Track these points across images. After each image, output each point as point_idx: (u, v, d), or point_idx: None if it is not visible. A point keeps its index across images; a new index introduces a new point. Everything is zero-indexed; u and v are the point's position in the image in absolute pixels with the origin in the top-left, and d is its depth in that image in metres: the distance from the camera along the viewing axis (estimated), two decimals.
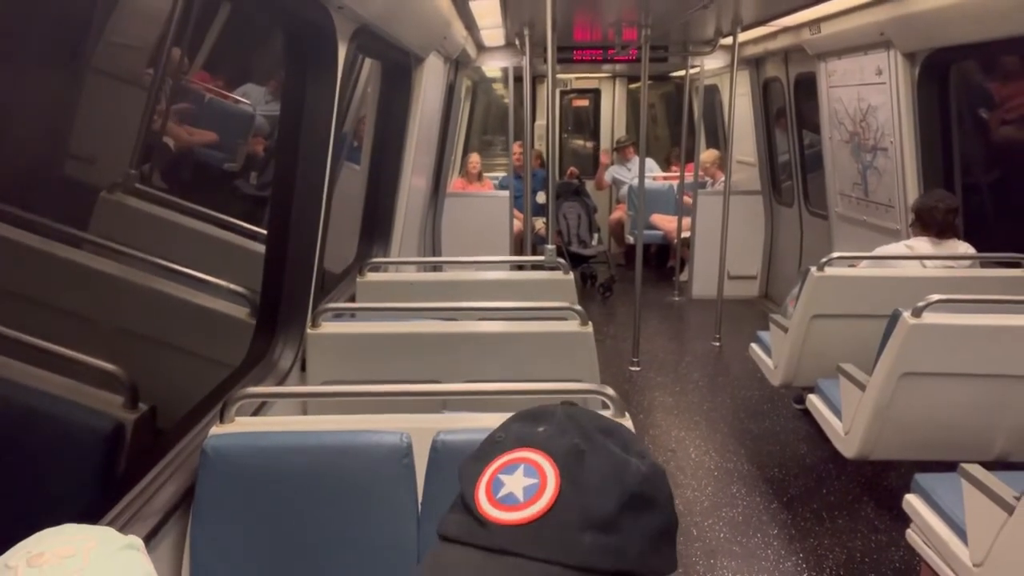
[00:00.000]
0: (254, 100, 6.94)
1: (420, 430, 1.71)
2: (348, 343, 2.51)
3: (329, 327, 2.52)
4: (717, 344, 5.71)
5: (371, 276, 3.25)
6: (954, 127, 4.15)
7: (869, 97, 4.64)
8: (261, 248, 3.24)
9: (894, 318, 2.78)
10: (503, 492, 0.59)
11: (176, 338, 2.49)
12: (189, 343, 2.50)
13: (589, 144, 9.96)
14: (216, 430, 1.69)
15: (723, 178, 6.83)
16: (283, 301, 2.49)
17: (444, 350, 2.51)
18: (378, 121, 4.05)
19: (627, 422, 1.68)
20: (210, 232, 3.36)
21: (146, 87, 4.71)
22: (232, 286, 2.57)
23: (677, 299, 7.06)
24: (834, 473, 3.68)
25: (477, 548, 0.58)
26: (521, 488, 0.59)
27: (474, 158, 7.46)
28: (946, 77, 4.11)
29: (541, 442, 0.62)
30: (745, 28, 5.40)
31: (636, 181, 6.15)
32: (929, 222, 3.54)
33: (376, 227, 3.98)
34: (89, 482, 1.56)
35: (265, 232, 3.42)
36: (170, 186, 3.93)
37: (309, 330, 2.47)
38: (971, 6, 3.34)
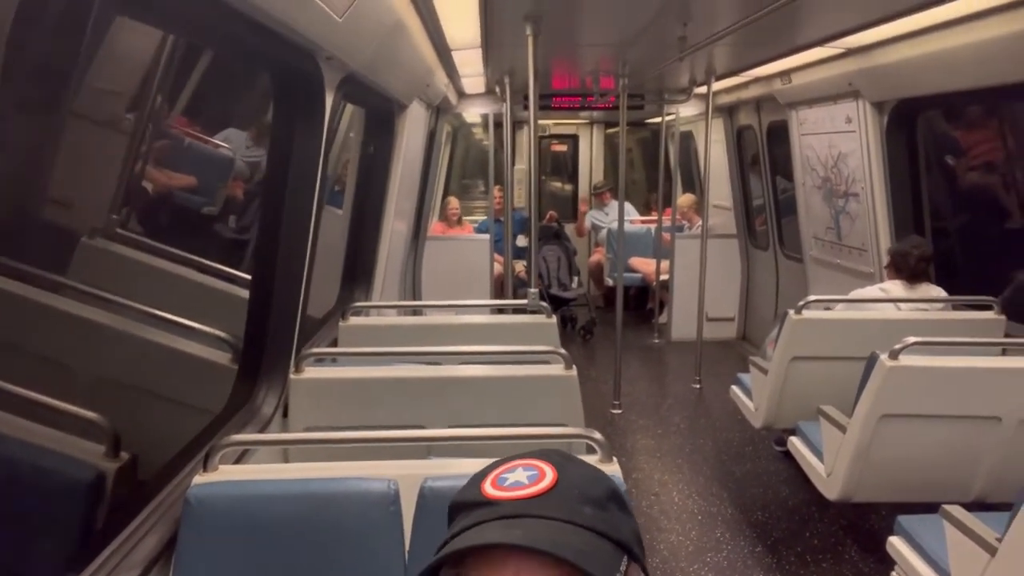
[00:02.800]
0: (235, 145, 6.97)
1: (406, 476, 1.69)
2: (331, 388, 2.49)
3: (312, 372, 2.50)
4: (697, 386, 5.74)
5: (353, 320, 3.25)
6: (922, 173, 4.29)
7: (840, 144, 4.79)
8: (243, 292, 3.23)
9: (872, 361, 2.82)
10: (508, 482, 0.66)
11: (157, 385, 2.46)
12: (170, 390, 2.47)
13: (568, 187, 10.11)
14: (199, 479, 1.66)
15: (700, 222, 6.95)
16: (266, 346, 2.47)
17: (428, 394, 2.51)
18: (361, 167, 4.09)
19: (614, 467, 1.68)
20: (191, 277, 3.34)
21: (126, 132, 4.72)
22: (214, 331, 2.55)
23: (657, 341, 7.10)
24: (817, 515, 3.69)
25: (492, 521, 0.62)
26: (524, 477, 0.66)
27: (453, 202, 7.51)
28: (914, 125, 4.25)
29: (531, 454, 0.70)
30: (719, 78, 5.57)
31: (615, 225, 6.23)
32: (902, 267, 3.63)
33: (358, 271, 3.99)
34: (69, 533, 1.52)
35: (246, 276, 3.42)
36: (149, 230, 3.91)
37: (292, 375, 2.45)
38: (935, 59, 3.49)
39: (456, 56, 4.06)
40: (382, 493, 1.65)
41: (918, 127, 4.25)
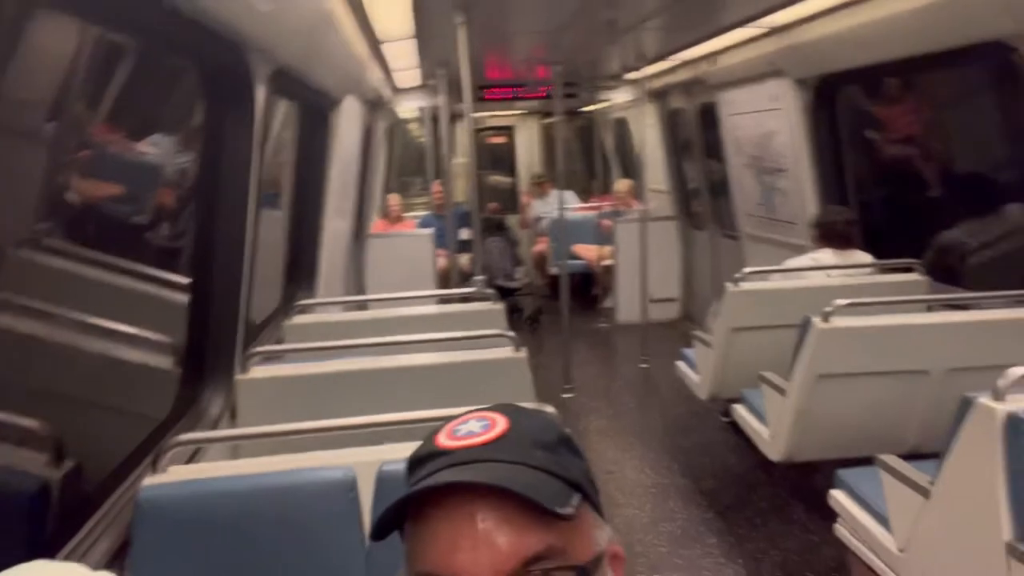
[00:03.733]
0: (163, 151, 6.77)
1: (362, 463, 1.70)
2: (279, 386, 2.47)
3: (259, 371, 2.47)
4: (645, 366, 5.86)
5: (298, 319, 3.21)
6: (844, 146, 4.46)
7: (767, 123, 4.94)
8: (180, 297, 3.16)
9: (805, 324, 2.94)
10: (461, 432, 0.68)
11: (98, 395, 2.39)
12: (111, 398, 2.40)
13: (508, 180, 10.15)
14: (149, 481, 1.63)
15: (637, 205, 7.09)
16: (209, 348, 2.43)
17: (379, 386, 2.50)
18: (297, 164, 4.04)
19: None
20: (127, 284, 3.25)
21: (46, 142, 4.54)
22: (154, 336, 2.49)
23: (603, 325, 7.21)
24: (763, 480, 3.82)
25: (446, 468, 0.64)
26: (478, 427, 0.68)
27: (394, 199, 7.48)
28: (835, 100, 4.42)
29: (484, 408, 0.72)
30: (649, 62, 5.68)
31: (556, 214, 6.30)
32: (830, 234, 3.79)
33: (300, 271, 3.94)
34: (15, 545, 1.48)
35: (184, 282, 3.34)
36: (76, 243, 3.78)
37: (238, 376, 2.41)
38: (850, 35, 3.64)
39: (388, 48, 4.04)
40: (339, 480, 1.65)
41: (839, 102, 4.42)
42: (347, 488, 1.65)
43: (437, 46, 4.17)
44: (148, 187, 6.76)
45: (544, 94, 6.65)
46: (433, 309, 3.49)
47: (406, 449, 1.84)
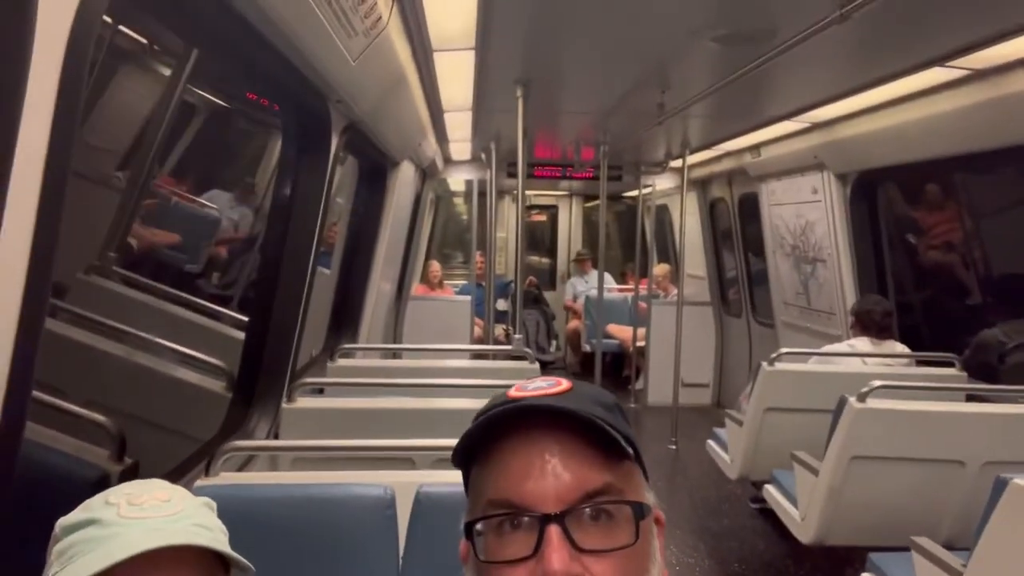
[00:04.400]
0: (220, 205, 7.12)
1: (401, 484, 1.76)
2: (321, 417, 2.55)
3: (303, 402, 2.57)
4: (674, 447, 5.80)
5: (341, 362, 3.33)
6: (884, 239, 4.54)
7: (807, 214, 5.06)
8: (231, 331, 3.31)
9: (841, 404, 2.95)
10: (530, 387, 0.76)
11: (149, 412, 2.50)
12: (163, 416, 2.51)
13: (546, 261, 10.36)
14: (201, 482, 1.71)
15: (675, 291, 7.17)
16: (261, 375, 2.54)
17: (415, 425, 2.57)
18: (354, 216, 4.24)
19: None
20: (182, 314, 3.42)
21: (117, 189, 4.84)
22: (210, 359, 2.61)
23: (633, 406, 7.18)
24: (793, 568, 3.72)
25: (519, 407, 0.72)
26: (544, 384, 0.76)
27: (435, 265, 7.68)
28: (875, 194, 4.53)
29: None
30: (693, 151, 5.88)
31: (594, 292, 6.41)
32: (868, 324, 3.82)
33: (345, 318, 4.08)
34: None
35: (234, 315, 3.50)
36: (136, 275, 4.00)
37: (284, 404, 2.51)
38: (891, 133, 3.78)
39: (448, 118, 4.29)
40: (378, 497, 1.71)
41: (879, 196, 4.52)
42: (386, 505, 1.71)
43: (493, 119, 4.41)
44: (203, 238, 7.07)
45: (590, 175, 6.88)
46: (469, 363, 3.58)
47: (443, 475, 1.91)
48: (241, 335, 3.22)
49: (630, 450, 0.72)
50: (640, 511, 0.71)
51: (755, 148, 5.42)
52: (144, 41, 5.52)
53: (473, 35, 2.56)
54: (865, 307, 3.94)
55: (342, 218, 4.95)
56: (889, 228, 4.55)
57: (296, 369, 3.17)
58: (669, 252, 8.39)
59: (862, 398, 2.86)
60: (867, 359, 3.74)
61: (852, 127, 4.11)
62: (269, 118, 7.58)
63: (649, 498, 0.76)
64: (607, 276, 8.57)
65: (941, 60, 2.87)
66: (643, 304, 7.24)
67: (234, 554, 0.83)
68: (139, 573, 0.76)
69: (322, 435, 2.52)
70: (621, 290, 8.47)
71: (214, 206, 6.91)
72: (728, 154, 5.99)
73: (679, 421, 5.93)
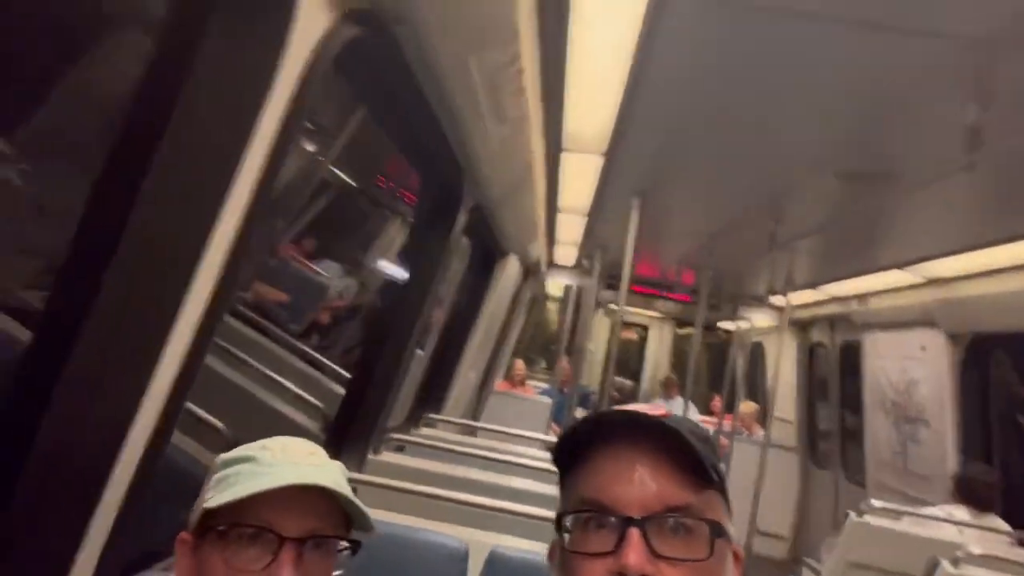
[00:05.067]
0: (330, 274, 7.57)
1: (475, 542, 1.80)
2: (401, 472, 2.62)
3: (387, 456, 2.66)
4: None
5: (424, 429, 3.42)
6: (993, 407, 4.31)
7: (912, 371, 4.88)
8: (330, 383, 3.47)
9: (932, 566, 2.76)
10: (630, 406, 0.83)
11: (248, 435, 2.64)
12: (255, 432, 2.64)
13: (629, 384, 10.27)
14: None
15: (760, 431, 6.93)
16: (355, 423, 2.65)
17: (487, 494, 2.60)
18: (458, 298, 4.44)
19: None
20: (288, 358, 3.63)
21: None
22: (312, 399, 2.76)
23: None
24: None
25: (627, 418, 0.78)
26: (644, 407, 0.82)
27: (520, 364, 7.77)
28: (989, 359, 4.35)
29: None
30: (796, 289, 5.84)
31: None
32: (970, 493, 3.60)
33: (432, 392, 4.19)
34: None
35: (336, 368, 3.68)
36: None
37: (371, 455, 2.61)
38: (1014, 296, 3.67)
39: (561, 219, 4.50)
40: (453, 549, 1.75)
41: (993, 361, 4.34)
42: (459, 559, 1.75)
43: (603, 227, 4.58)
44: (310, 302, 7.48)
45: (687, 299, 6.91)
46: (542, 452, 3.59)
47: (516, 541, 1.93)
48: (338, 388, 3.39)
49: (715, 477, 0.77)
50: (716, 530, 0.76)
51: (863, 296, 5.34)
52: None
53: (604, 140, 2.74)
54: (969, 475, 3.73)
55: (443, 306, 5.18)
56: (1001, 397, 4.32)
57: (384, 427, 3.28)
58: (758, 392, 8.17)
59: (956, 563, 2.67)
60: (964, 529, 3.49)
61: (970, 286, 4.02)
62: (391, 202, 8.12)
63: (728, 528, 0.79)
64: (692, 406, 8.39)
65: None
66: (725, 440, 7.01)
67: (363, 508, 0.91)
68: (284, 504, 0.85)
69: (399, 491, 2.59)
70: (704, 421, 8.25)
71: (325, 274, 7.36)
72: (834, 298, 5.91)
73: (749, 572, 5.58)
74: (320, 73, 1.18)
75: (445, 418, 3.83)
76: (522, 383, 7.66)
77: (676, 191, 3.52)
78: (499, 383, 7.53)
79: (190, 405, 1.90)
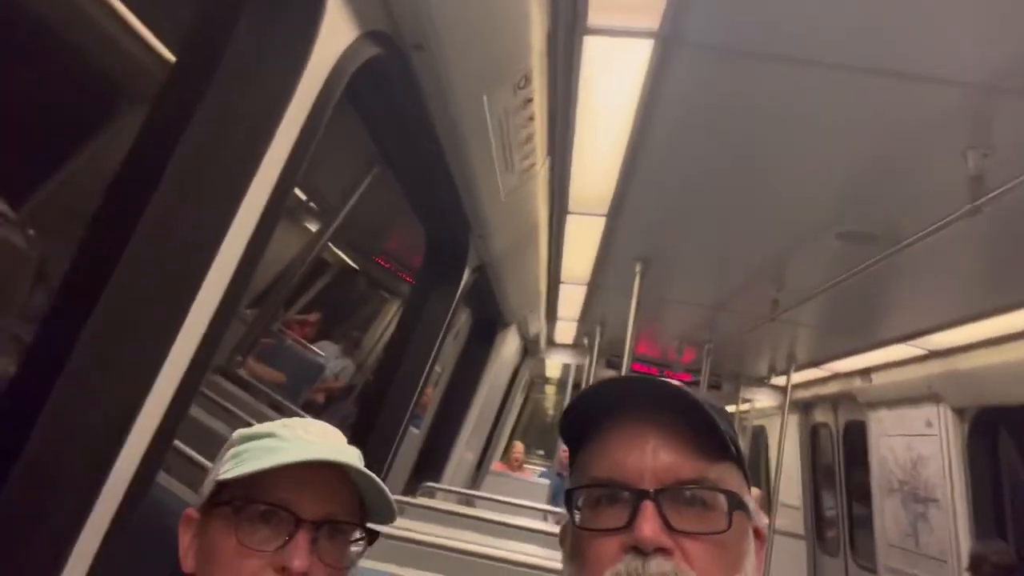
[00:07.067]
0: (327, 355, 7.52)
1: None
2: (396, 540, 2.51)
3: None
4: None
5: (421, 499, 3.30)
6: (1005, 482, 4.20)
7: (919, 448, 4.77)
8: None
9: None
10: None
11: None
12: None
13: None
14: None
15: (765, 520, 6.71)
16: None
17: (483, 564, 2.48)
18: (457, 368, 4.39)
19: None
20: (277, 418, 3.55)
21: (245, 322, 5.24)
22: None
23: None
24: None
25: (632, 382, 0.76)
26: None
27: (519, 446, 7.63)
28: (997, 432, 4.27)
29: None
30: (798, 368, 5.80)
31: None
32: (980, 573, 3.47)
33: (430, 462, 4.08)
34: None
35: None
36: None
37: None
38: (1020, 368, 3.63)
39: (563, 290, 4.50)
40: None
41: (1002, 434, 4.26)
42: None
43: (604, 299, 4.59)
44: (306, 382, 7.39)
45: (688, 378, 6.84)
46: (546, 525, 3.46)
47: None
48: None
49: (732, 449, 0.73)
50: (735, 501, 0.72)
51: (865, 372, 5.29)
52: (303, 197, 6.22)
53: (607, 200, 2.78)
54: (980, 552, 3.60)
55: (439, 382, 5.11)
56: (1013, 471, 4.22)
57: None
58: (762, 477, 7.97)
59: None
60: None
61: (973, 358, 4.00)
62: (391, 283, 8.17)
63: (748, 501, 0.75)
64: None
65: None
66: None
67: (387, 492, 0.87)
68: (303, 485, 0.82)
69: (398, 554, 2.47)
70: None
71: (322, 354, 7.31)
72: (835, 376, 5.86)
73: None
74: (338, 92, 1.20)
75: (445, 487, 3.72)
76: (520, 467, 7.49)
77: (679, 255, 3.54)
78: (496, 464, 7.36)
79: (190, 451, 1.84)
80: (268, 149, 1.10)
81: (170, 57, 3.08)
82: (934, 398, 4.54)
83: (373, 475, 0.85)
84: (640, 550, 0.68)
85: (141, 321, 1.05)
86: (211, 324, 1.13)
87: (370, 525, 0.88)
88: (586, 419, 0.78)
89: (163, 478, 1.80)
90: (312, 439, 0.87)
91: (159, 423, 1.09)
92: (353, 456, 0.88)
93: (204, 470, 1.89)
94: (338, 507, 0.84)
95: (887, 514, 5.20)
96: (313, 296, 7.85)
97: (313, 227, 6.42)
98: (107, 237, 1.04)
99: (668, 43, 1.79)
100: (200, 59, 1.05)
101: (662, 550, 0.68)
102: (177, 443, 1.88)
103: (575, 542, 0.75)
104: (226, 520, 0.81)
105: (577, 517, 0.75)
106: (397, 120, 1.55)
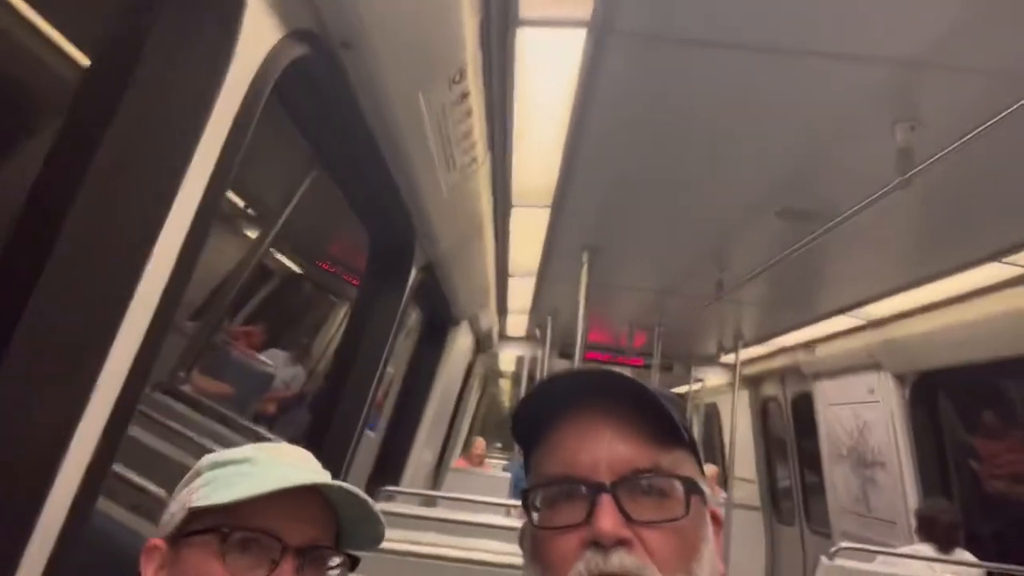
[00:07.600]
0: (276, 363, 7.35)
1: None
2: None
3: None
4: None
5: (381, 505, 3.25)
6: (947, 442, 4.37)
7: (864, 414, 4.94)
8: None
9: None
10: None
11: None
12: None
13: None
14: None
15: (722, 494, 6.86)
16: None
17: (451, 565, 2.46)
18: (410, 369, 4.34)
19: None
20: (229, 436, 3.45)
21: (186, 335, 5.08)
22: None
23: None
24: None
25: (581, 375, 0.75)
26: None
27: (480, 442, 7.59)
28: (936, 395, 4.44)
29: None
30: (746, 345, 5.93)
31: None
32: (931, 533, 3.60)
33: (388, 466, 4.04)
34: None
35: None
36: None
37: None
38: (953, 332, 3.78)
39: (512, 284, 4.50)
40: None
41: (941, 397, 4.42)
42: None
43: (554, 288, 4.60)
44: (255, 393, 7.21)
45: (641, 363, 6.93)
46: (510, 521, 3.45)
47: None
48: None
49: (685, 435, 0.73)
50: (691, 486, 0.71)
51: (809, 345, 5.44)
52: (241, 204, 6.05)
53: (550, 192, 2.78)
54: (929, 513, 3.72)
55: (392, 386, 5.05)
56: (954, 431, 4.40)
57: None
58: (716, 453, 8.14)
59: None
60: (935, 565, 3.46)
61: (909, 326, 4.14)
62: (337, 286, 8.03)
63: (703, 486, 0.75)
64: None
65: (1001, 255, 2.96)
66: None
67: (378, 513, 0.84)
68: (286, 510, 0.78)
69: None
70: None
71: (271, 363, 7.13)
72: (782, 350, 6.01)
73: None
74: (265, 94, 1.16)
75: (404, 489, 3.68)
76: (480, 462, 7.47)
77: (624, 242, 3.57)
78: (457, 461, 7.33)
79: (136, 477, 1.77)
80: (194, 154, 1.05)
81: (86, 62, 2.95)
82: (875, 366, 4.70)
83: (367, 497, 0.83)
84: (600, 544, 0.68)
85: (69, 339, 0.99)
86: (146, 338, 1.07)
87: (351, 551, 0.85)
88: (537, 418, 0.77)
89: (106, 506, 1.73)
90: (290, 462, 0.84)
91: (95, 447, 1.03)
92: (328, 476, 0.85)
93: (152, 495, 1.83)
94: (320, 532, 0.81)
95: (838, 480, 5.37)
96: (258, 304, 7.65)
97: (253, 234, 6.26)
98: (27, 252, 0.98)
99: (601, 32, 1.79)
100: (115, 63, 1.00)
101: (622, 542, 0.68)
102: (120, 468, 1.82)
103: (534, 542, 0.74)
104: (206, 548, 0.78)
105: (535, 517, 0.73)
106: (331, 121, 1.50)
